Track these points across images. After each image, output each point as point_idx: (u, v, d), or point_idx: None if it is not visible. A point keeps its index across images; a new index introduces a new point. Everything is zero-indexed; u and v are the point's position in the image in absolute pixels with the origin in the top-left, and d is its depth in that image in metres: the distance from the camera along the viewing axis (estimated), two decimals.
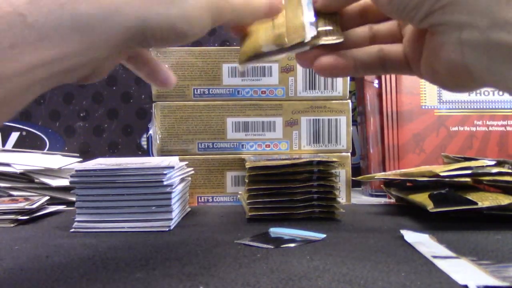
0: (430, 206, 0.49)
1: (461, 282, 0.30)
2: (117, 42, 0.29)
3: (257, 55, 0.35)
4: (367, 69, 0.36)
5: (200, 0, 0.31)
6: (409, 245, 0.41)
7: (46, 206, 0.60)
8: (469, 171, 0.52)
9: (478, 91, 0.73)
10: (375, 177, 0.65)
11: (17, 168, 0.67)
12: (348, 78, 0.69)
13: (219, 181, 0.67)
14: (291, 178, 0.53)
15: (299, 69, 0.68)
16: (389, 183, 0.64)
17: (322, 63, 0.35)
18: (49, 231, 0.49)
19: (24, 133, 0.91)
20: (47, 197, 0.62)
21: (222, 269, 0.34)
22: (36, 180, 0.68)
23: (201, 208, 0.64)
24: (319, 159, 0.54)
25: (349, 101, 0.68)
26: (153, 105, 0.67)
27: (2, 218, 0.53)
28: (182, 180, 0.57)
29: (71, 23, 0.27)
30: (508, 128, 0.73)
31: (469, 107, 0.73)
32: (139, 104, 0.92)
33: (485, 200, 0.48)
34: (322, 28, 0.34)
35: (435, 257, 0.36)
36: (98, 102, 0.91)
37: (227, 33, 0.91)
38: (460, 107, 0.73)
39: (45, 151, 0.90)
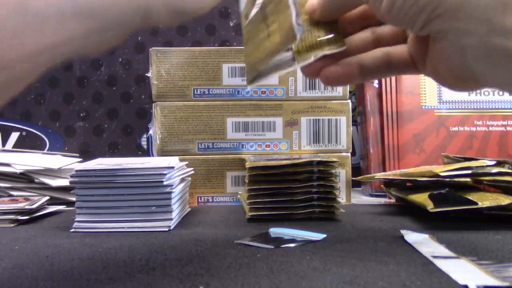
0: (430, 206, 0.49)
1: (461, 282, 0.30)
2: (121, 22, 0.29)
3: (260, 74, 0.35)
4: (373, 74, 0.36)
5: None
6: (409, 245, 0.41)
7: (46, 206, 0.60)
8: (469, 171, 0.52)
9: (478, 91, 0.73)
10: (375, 177, 0.65)
11: (17, 168, 0.67)
12: None
13: (219, 181, 0.67)
14: (291, 178, 0.53)
15: (299, 69, 0.67)
16: (389, 183, 0.64)
17: (328, 74, 0.35)
18: (49, 231, 0.49)
19: (24, 133, 0.91)
20: (47, 197, 0.62)
21: (222, 269, 0.34)
22: (36, 180, 0.68)
23: (201, 208, 0.64)
24: (319, 159, 0.54)
25: (349, 101, 0.68)
26: (153, 105, 0.67)
27: (2, 218, 0.53)
28: (182, 180, 0.57)
29: (73, 7, 0.27)
30: (508, 128, 0.73)
31: (469, 107, 0.73)
32: (139, 104, 0.92)
33: (485, 200, 0.47)
34: (323, 38, 0.34)
35: (435, 257, 0.36)
36: (98, 102, 0.91)
37: (227, 33, 0.91)
38: (460, 107, 0.73)
39: (45, 151, 0.90)
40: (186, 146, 0.67)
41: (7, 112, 0.90)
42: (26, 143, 0.90)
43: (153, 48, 0.68)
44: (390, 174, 0.64)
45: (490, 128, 0.73)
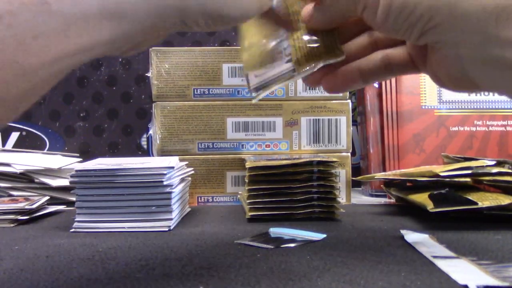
0: (430, 206, 0.49)
1: (461, 282, 0.30)
2: (152, 27, 0.27)
3: (263, 87, 0.35)
4: (374, 77, 0.36)
5: None
6: (409, 245, 0.41)
7: (46, 206, 0.60)
8: (469, 171, 0.52)
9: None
10: (375, 177, 0.65)
11: (17, 168, 0.67)
12: None
13: (219, 181, 0.67)
14: (291, 178, 0.53)
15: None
16: (389, 183, 0.64)
17: (329, 82, 0.35)
18: (49, 231, 0.49)
19: (24, 133, 0.91)
20: (47, 197, 0.62)
21: (222, 269, 0.34)
22: (36, 180, 0.68)
23: (201, 208, 0.64)
24: (319, 159, 0.54)
25: (349, 101, 0.68)
26: (153, 105, 0.67)
27: (2, 218, 0.53)
28: (182, 180, 0.57)
29: (101, 10, 0.25)
30: (508, 128, 0.73)
31: (469, 107, 0.73)
32: (139, 104, 0.92)
33: (485, 200, 0.47)
34: (322, 48, 0.34)
35: (435, 257, 0.36)
36: (98, 102, 0.91)
37: (227, 33, 0.91)
38: (460, 107, 0.73)
39: (45, 151, 0.90)
40: (186, 146, 0.67)
41: None
42: (26, 143, 0.90)
43: (153, 48, 0.68)
44: (390, 174, 0.64)
45: (490, 128, 0.73)
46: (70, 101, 0.91)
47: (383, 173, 0.70)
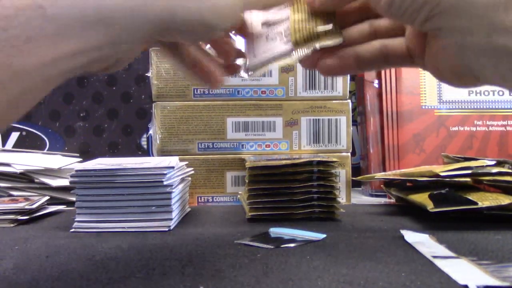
0: (430, 206, 0.49)
1: (461, 282, 0.30)
2: (143, 34, 0.28)
3: (260, 64, 0.36)
4: (370, 65, 0.36)
5: None
6: (409, 245, 0.41)
7: (46, 206, 0.60)
8: (469, 171, 0.52)
9: (478, 91, 0.73)
10: (375, 177, 0.65)
11: (17, 168, 0.67)
12: (348, 78, 0.69)
13: (219, 181, 0.67)
14: (291, 178, 0.53)
15: (299, 69, 0.68)
16: (389, 183, 0.64)
17: (325, 65, 0.35)
18: (49, 231, 0.49)
19: (24, 133, 0.91)
20: (47, 197, 0.62)
21: (222, 269, 0.34)
22: (36, 180, 0.68)
23: (201, 208, 0.64)
24: (319, 159, 0.54)
25: (349, 101, 0.68)
26: (153, 105, 0.67)
27: (2, 218, 0.53)
28: (182, 180, 0.57)
29: (95, 15, 0.26)
30: (508, 128, 0.73)
31: (469, 107, 0.73)
32: (139, 104, 0.92)
33: (485, 200, 0.48)
34: (321, 29, 0.34)
35: (435, 257, 0.36)
36: (98, 102, 0.91)
37: None
38: (460, 107, 0.73)
39: (45, 151, 0.90)
40: (186, 146, 0.67)
41: None
42: (26, 143, 0.90)
43: (153, 48, 0.68)
44: (390, 174, 0.64)
45: (490, 128, 0.73)
46: (70, 101, 0.91)
47: (383, 173, 0.70)
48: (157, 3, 0.28)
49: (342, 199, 0.65)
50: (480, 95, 0.73)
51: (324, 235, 0.45)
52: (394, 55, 0.35)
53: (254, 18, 0.36)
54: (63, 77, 0.27)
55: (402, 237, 0.43)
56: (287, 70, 0.67)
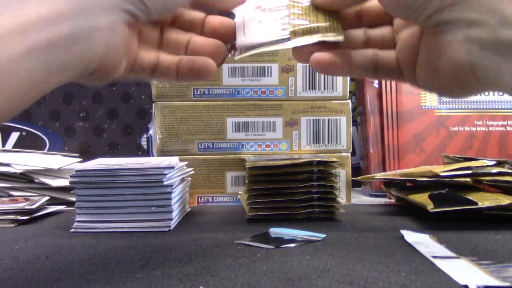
0: (430, 206, 0.49)
1: (461, 282, 0.30)
2: (111, 4, 0.29)
3: (252, 47, 0.35)
4: (360, 71, 0.36)
5: None
6: (409, 245, 0.41)
7: (46, 206, 0.60)
8: (469, 171, 0.52)
9: None
10: (375, 177, 0.65)
11: (17, 168, 0.67)
12: (348, 78, 0.69)
13: (219, 181, 0.67)
14: (291, 178, 0.53)
15: (299, 69, 0.68)
16: (389, 183, 0.64)
17: (319, 58, 0.35)
18: (49, 231, 0.49)
19: (24, 133, 0.91)
20: (47, 197, 0.62)
21: (222, 269, 0.34)
22: (36, 180, 0.68)
23: (201, 208, 0.64)
24: (319, 159, 0.54)
25: (349, 101, 0.68)
26: (153, 105, 0.67)
27: (2, 218, 0.53)
28: (182, 180, 0.57)
29: (66, 5, 0.26)
30: (508, 128, 0.73)
31: (469, 107, 0.73)
32: (139, 104, 0.92)
33: (485, 200, 0.48)
34: (322, 24, 0.34)
35: (435, 257, 0.36)
36: (98, 102, 0.91)
37: None
38: (460, 107, 0.73)
39: (45, 151, 0.90)
40: (186, 146, 0.67)
41: None
42: (26, 143, 0.90)
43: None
44: (390, 174, 0.64)
45: (490, 128, 0.73)
46: (70, 101, 0.91)
47: (383, 173, 0.70)
48: None
49: (342, 199, 0.65)
50: (480, 95, 0.73)
51: (324, 235, 0.45)
52: (384, 66, 0.35)
53: (247, 1, 0.36)
54: (47, 69, 0.27)
55: (402, 237, 0.43)
56: (287, 70, 0.67)
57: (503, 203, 0.47)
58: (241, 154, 0.67)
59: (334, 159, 0.54)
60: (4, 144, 0.90)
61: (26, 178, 0.69)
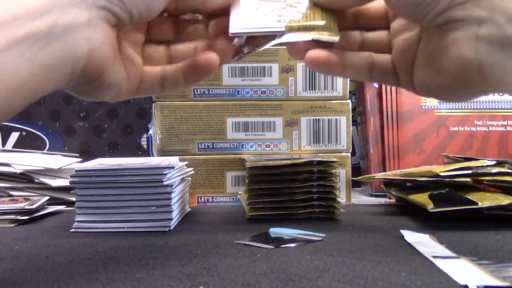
0: (430, 206, 0.49)
1: (461, 282, 0.30)
2: (86, 0, 0.29)
3: (246, 34, 0.35)
4: (355, 73, 0.36)
5: None
6: (409, 245, 0.41)
7: (46, 206, 0.60)
8: (469, 171, 0.52)
9: None
10: (375, 177, 0.65)
11: (17, 168, 0.67)
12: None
13: (219, 181, 0.67)
14: (291, 178, 0.53)
15: (299, 69, 0.68)
16: (389, 183, 0.64)
17: (315, 56, 0.35)
18: (49, 231, 0.49)
19: (24, 133, 0.91)
20: (47, 197, 0.62)
21: (222, 269, 0.34)
22: (36, 180, 0.68)
23: (201, 208, 0.64)
24: (319, 159, 0.54)
25: (349, 101, 0.68)
26: (153, 105, 0.67)
27: (2, 218, 0.53)
28: (182, 180, 0.57)
29: None
30: (508, 128, 0.73)
31: (469, 107, 0.73)
32: (139, 104, 0.92)
33: (485, 200, 0.48)
34: (319, 23, 0.34)
35: (435, 257, 0.36)
36: (98, 102, 0.91)
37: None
38: (460, 107, 0.73)
39: (45, 151, 0.90)
40: (186, 146, 0.67)
41: None
42: (26, 143, 0.90)
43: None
44: (390, 174, 0.64)
45: (490, 128, 0.73)
46: (70, 101, 0.91)
47: (383, 173, 0.70)
48: None
49: (342, 199, 0.65)
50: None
51: (324, 235, 0.45)
52: (379, 69, 0.35)
53: None
54: (31, 63, 0.27)
55: (402, 237, 0.43)
56: (287, 70, 0.67)
57: (503, 203, 0.47)
58: (241, 154, 0.67)
59: (334, 159, 0.54)
60: (4, 144, 0.90)
61: (26, 178, 0.69)
